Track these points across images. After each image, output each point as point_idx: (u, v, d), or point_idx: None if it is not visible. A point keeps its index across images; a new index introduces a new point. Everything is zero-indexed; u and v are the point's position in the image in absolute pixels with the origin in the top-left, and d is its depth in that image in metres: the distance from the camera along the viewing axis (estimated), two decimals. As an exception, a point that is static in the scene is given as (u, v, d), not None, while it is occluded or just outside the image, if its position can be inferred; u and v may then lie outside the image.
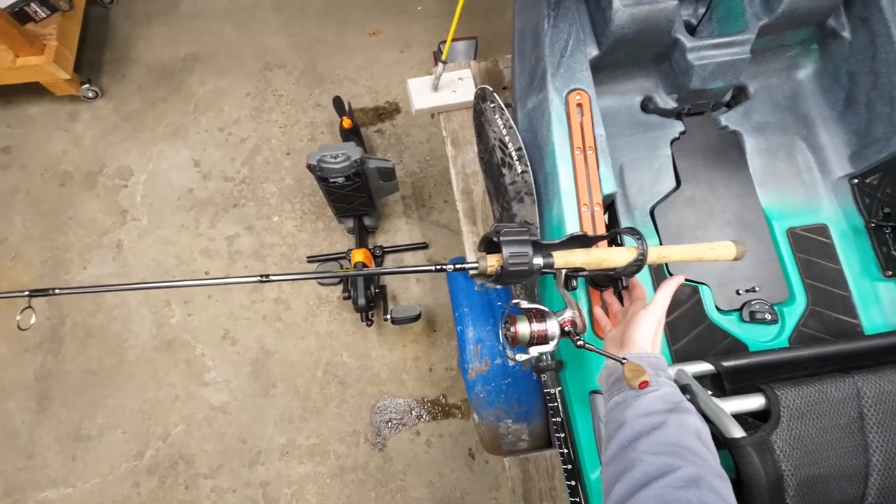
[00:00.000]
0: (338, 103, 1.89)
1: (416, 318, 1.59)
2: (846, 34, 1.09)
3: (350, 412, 1.71)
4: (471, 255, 1.29)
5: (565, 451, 0.95)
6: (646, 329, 0.64)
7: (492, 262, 0.64)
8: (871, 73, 1.05)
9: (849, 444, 0.68)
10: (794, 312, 0.99)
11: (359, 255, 1.69)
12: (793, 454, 0.66)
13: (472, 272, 0.65)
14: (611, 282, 0.86)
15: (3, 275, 1.91)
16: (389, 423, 1.69)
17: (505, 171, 1.08)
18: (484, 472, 1.64)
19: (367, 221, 1.83)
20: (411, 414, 1.71)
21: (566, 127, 1.00)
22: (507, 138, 1.04)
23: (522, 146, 1.02)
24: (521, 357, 0.67)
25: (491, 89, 1.08)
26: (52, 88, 2.03)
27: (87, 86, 2.10)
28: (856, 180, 1.08)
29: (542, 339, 0.68)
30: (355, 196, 1.60)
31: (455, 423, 1.70)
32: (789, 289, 1.01)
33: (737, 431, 0.65)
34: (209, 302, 1.86)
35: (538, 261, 0.64)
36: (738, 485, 0.65)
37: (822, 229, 1.06)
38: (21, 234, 1.96)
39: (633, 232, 0.69)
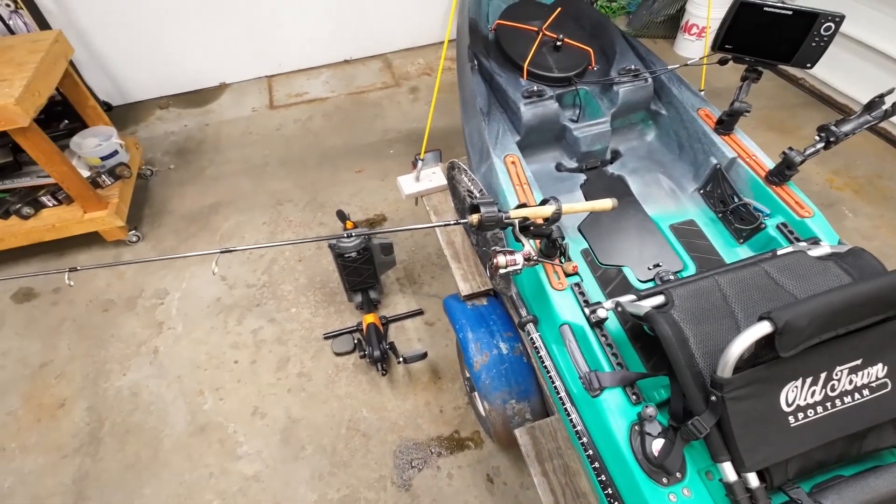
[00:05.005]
0: (340, 214, 2.46)
1: (424, 356, 1.92)
2: (664, 111, 1.80)
3: (375, 460, 1.88)
4: (462, 284, 1.73)
5: (556, 384, 1.28)
6: None
7: (474, 217, 1.11)
8: (685, 128, 1.73)
9: (722, 309, 1.10)
10: (689, 274, 1.47)
11: (370, 318, 2.07)
12: (685, 318, 1.07)
13: (464, 223, 1.11)
14: (545, 237, 1.30)
15: (45, 392, 2.11)
16: (412, 464, 1.86)
17: (475, 208, 1.60)
18: (504, 493, 1.79)
19: (373, 295, 2.25)
20: (430, 452, 1.89)
21: (507, 175, 1.57)
22: (472, 186, 1.59)
23: (483, 188, 1.56)
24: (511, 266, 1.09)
25: (458, 161, 1.67)
26: (106, 235, 2.52)
27: (133, 231, 2.61)
28: (701, 191, 1.67)
29: (513, 263, 1.11)
30: (364, 269, 2.06)
31: (470, 453, 1.89)
32: (682, 261, 1.50)
33: (648, 308, 1.06)
34: (239, 385, 2.10)
35: (501, 214, 1.12)
36: (662, 349, 1.02)
37: (692, 222, 1.61)
38: (65, 356, 2.22)
39: (553, 198, 1.18)
